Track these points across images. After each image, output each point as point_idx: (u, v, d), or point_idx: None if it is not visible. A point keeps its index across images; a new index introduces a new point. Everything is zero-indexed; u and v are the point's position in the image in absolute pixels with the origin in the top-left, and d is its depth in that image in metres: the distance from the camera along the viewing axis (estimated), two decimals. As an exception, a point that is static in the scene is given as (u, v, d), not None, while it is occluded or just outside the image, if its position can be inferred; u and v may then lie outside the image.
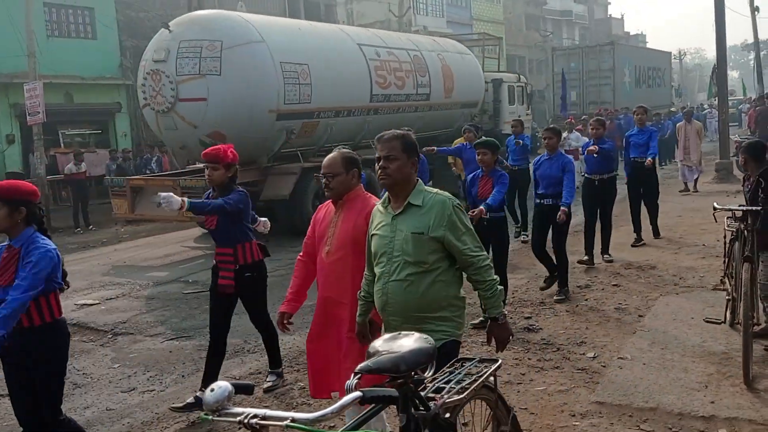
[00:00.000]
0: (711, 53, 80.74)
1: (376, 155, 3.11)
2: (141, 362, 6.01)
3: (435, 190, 3.15)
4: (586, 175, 8.69)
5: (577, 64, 27.60)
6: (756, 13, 28.82)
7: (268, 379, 5.14)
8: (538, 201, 7.20)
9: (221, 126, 10.90)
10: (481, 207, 6.19)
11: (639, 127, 9.49)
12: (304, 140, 12.34)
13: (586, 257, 8.40)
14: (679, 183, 15.30)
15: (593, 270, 8.13)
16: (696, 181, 14.89)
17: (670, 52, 42.98)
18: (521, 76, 21.36)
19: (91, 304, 8.12)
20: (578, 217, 12.38)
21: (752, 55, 55.29)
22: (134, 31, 22.67)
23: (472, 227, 3.12)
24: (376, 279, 3.14)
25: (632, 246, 9.22)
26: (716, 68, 17.60)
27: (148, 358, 6.12)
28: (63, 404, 5.05)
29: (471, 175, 6.63)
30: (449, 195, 3.12)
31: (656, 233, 9.68)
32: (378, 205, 3.25)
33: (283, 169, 11.83)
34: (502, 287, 3.24)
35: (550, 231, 7.07)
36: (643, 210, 9.65)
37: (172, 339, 6.64)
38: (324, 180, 3.62)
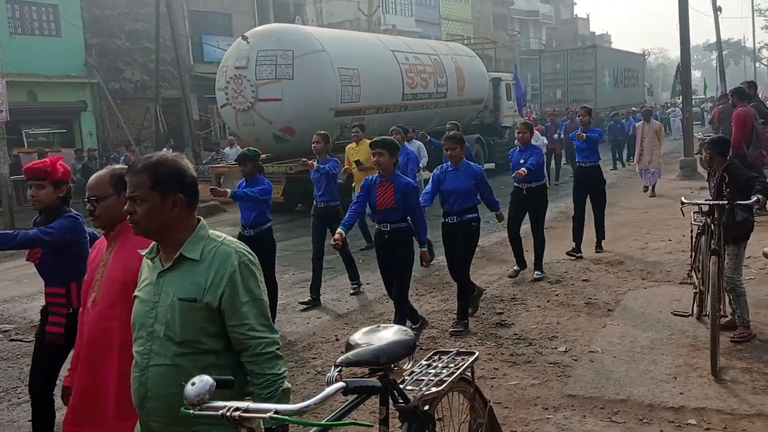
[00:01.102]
0: (674, 53, 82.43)
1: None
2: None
3: (223, 236, 2.25)
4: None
5: (563, 65, 29.77)
6: (719, 13, 29.42)
7: None
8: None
9: (292, 122, 13.19)
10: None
11: (583, 128, 8.85)
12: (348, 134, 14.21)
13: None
14: (614, 202, 14.25)
15: (563, 265, 8.23)
16: (654, 186, 13.89)
17: (643, 54, 44.72)
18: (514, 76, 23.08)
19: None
20: (559, 208, 12.62)
21: (714, 55, 56.42)
22: (99, 29, 22.34)
23: (263, 296, 2.22)
24: (132, 363, 2.24)
25: (567, 254, 8.61)
26: (680, 67, 17.93)
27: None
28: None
29: (366, 180, 5.69)
30: (242, 247, 2.23)
31: (599, 245, 8.91)
32: (144, 253, 2.32)
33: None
34: (288, 387, 2.18)
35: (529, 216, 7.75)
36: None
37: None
38: (89, 206, 2.90)
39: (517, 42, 47.07)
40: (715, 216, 5.16)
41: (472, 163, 6.41)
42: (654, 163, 13.79)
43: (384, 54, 15.78)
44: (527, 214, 7.94)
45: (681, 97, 18.68)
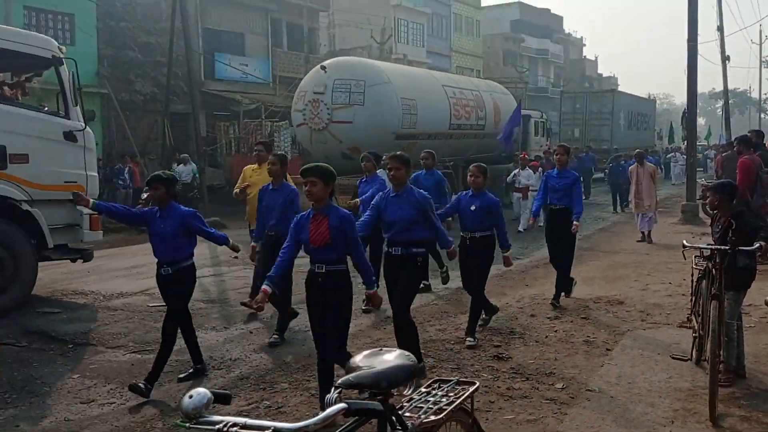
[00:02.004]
0: (679, 99, 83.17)
1: None
2: (101, 374, 5.84)
3: None
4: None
5: (582, 106, 31.78)
6: (727, 62, 29.70)
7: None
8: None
9: (359, 142, 14.48)
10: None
11: (559, 169, 8.08)
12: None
13: (557, 296, 8.03)
14: (617, 241, 13.70)
15: (562, 301, 8.17)
16: (650, 232, 13.37)
17: (655, 100, 46.22)
18: (543, 114, 25.67)
19: (53, 313, 7.91)
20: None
21: (719, 104, 56.81)
22: (113, 39, 22.50)
23: None
24: None
25: (552, 304, 7.94)
26: (686, 113, 18.05)
27: (109, 370, 5.96)
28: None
29: (298, 217, 4.84)
30: None
31: (557, 297, 7.99)
32: None
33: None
34: None
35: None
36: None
37: (134, 352, 6.48)
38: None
39: (525, 78, 47.46)
40: (717, 261, 5.14)
41: (417, 190, 5.61)
42: (653, 207, 13.41)
43: (436, 88, 18.01)
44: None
45: (686, 142, 18.79)
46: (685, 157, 30.49)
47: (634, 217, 14.16)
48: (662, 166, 31.62)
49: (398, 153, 5.88)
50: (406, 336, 5.45)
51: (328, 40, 37.19)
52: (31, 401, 5.17)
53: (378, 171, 8.39)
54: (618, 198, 19.53)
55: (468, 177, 6.87)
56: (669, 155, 33.04)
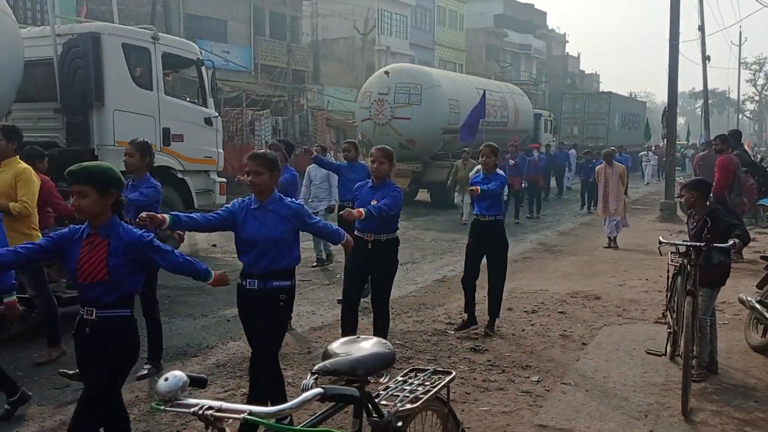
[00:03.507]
0: (660, 98, 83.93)
1: None
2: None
3: None
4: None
5: (581, 106, 34.57)
6: (707, 62, 30.01)
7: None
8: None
9: (414, 136, 18.15)
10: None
11: (485, 173, 6.78)
12: (447, 147, 19.50)
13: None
14: (595, 237, 13.11)
15: (540, 295, 8.24)
16: (615, 238, 12.39)
17: (645, 102, 48.40)
18: (550, 113, 29.55)
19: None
20: (539, 239, 12.70)
21: (699, 103, 57.43)
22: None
23: None
24: None
25: (456, 331, 6.68)
26: (666, 112, 18.22)
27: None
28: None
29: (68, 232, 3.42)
30: None
31: (491, 325, 6.72)
32: None
33: (439, 164, 18.69)
34: None
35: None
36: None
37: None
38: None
39: (507, 73, 47.60)
40: (692, 257, 5.20)
41: (288, 199, 4.19)
42: (620, 211, 12.30)
43: (471, 90, 20.72)
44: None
45: (665, 141, 18.96)
46: (657, 157, 30.88)
47: (586, 228, 13.37)
48: (641, 165, 31.94)
49: (261, 151, 4.64)
50: (269, 383, 4.17)
51: (310, 30, 37.00)
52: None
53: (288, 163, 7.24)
54: (587, 197, 18.69)
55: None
56: (641, 153, 32.94)
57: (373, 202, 5.28)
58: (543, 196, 19.35)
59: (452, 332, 6.63)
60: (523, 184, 16.15)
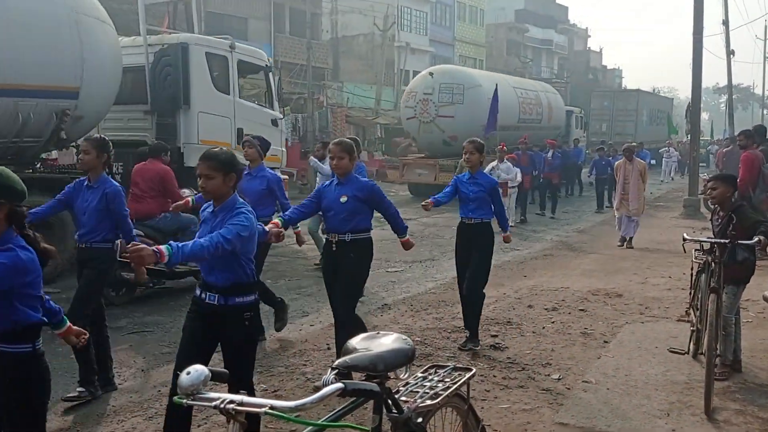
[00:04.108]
0: (683, 93, 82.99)
1: None
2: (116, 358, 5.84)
3: None
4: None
5: (609, 104, 35.55)
6: (732, 57, 29.56)
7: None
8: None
9: (457, 132, 18.68)
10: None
11: (471, 172, 6.21)
12: (487, 144, 19.76)
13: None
14: (617, 234, 12.25)
15: (560, 293, 8.19)
16: (631, 238, 11.87)
17: (672, 99, 48.63)
18: (581, 110, 30.54)
19: (53, 293, 7.91)
20: (560, 237, 12.63)
21: (723, 99, 56.65)
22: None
23: None
24: None
25: (460, 348, 6.00)
26: (690, 107, 17.99)
27: (120, 353, 5.96)
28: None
29: None
30: None
31: (473, 338, 6.05)
32: None
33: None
34: None
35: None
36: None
37: (133, 333, 6.50)
38: None
39: (528, 69, 47.34)
40: (716, 254, 5.14)
41: (241, 202, 3.56)
42: (640, 210, 11.80)
43: (509, 89, 22.13)
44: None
45: (688, 137, 18.73)
46: (678, 152, 30.35)
47: (607, 225, 12.46)
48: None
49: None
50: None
51: (330, 26, 37.04)
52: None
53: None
54: (603, 196, 17.87)
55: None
56: (661, 150, 31.69)
57: (343, 199, 4.92)
58: (560, 194, 19.08)
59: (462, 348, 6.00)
60: (534, 174, 16.04)
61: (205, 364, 3.07)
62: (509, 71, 39.01)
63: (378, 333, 2.39)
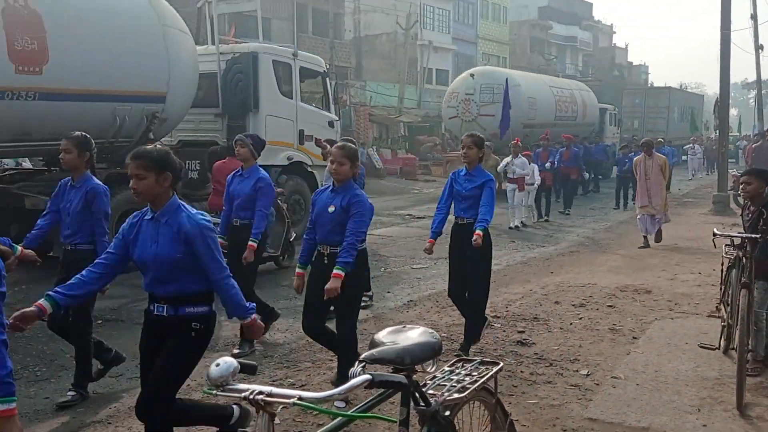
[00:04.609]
0: (711, 89, 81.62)
1: None
2: (129, 350, 5.90)
3: None
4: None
5: (641, 101, 36.27)
6: (760, 51, 28.99)
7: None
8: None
9: (497, 130, 19.36)
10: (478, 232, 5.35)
11: (468, 168, 5.78)
12: (525, 141, 19.81)
13: (461, 348, 5.73)
14: (639, 234, 11.56)
15: (588, 289, 8.11)
16: (659, 232, 11.28)
17: (703, 95, 48.66)
18: (614, 107, 30.83)
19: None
20: (585, 233, 12.52)
21: (751, 94, 55.80)
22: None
23: None
24: None
25: (457, 356, 4.74)
26: (718, 103, 17.69)
27: (137, 346, 6.03)
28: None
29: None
30: None
31: (466, 346, 5.72)
32: None
33: None
34: None
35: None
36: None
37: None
38: None
39: (552, 66, 46.97)
40: (748, 249, 5.06)
41: (191, 212, 3.25)
42: (662, 207, 11.14)
43: (546, 88, 23.45)
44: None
45: (717, 132, 18.40)
46: (702, 148, 29.75)
47: (636, 218, 11.89)
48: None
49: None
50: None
51: (353, 26, 37.09)
52: (60, 374, 5.26)
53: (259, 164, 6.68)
54: (622, 194, 17.26)
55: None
56: (686, 146, 30.66)
57: (330, 209, 4.55)
58: (579, 191, 18.51)
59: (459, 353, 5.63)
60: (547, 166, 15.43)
61: None
62: (533, 69, 38.76)
63: (404, 327, 2.38)
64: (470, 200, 5.69)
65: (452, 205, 5.90)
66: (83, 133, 4.82)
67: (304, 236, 4.84)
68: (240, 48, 11.57)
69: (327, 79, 12.59)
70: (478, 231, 5.44)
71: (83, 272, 3.31)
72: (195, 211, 3.26)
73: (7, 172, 9.30)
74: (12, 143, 8.15)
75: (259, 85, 11.01)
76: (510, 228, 13.34)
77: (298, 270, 4.78)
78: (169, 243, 3.15)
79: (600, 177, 22.39)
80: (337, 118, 12.72)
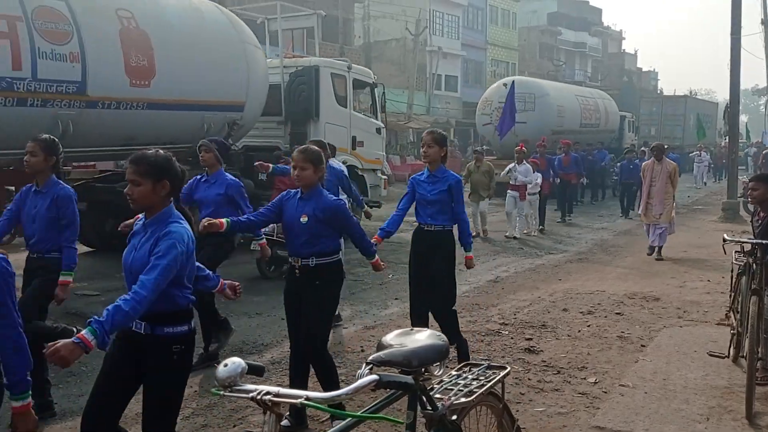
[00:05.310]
0: (721, 95, 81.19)
1: None
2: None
3: None
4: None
5: (658, 109, 37.40)
6: (770, 57, 28.87)
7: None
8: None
9: (528, 136, 19.42)
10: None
11: (430, 169, 5.31)
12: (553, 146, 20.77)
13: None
14: (647, 241, 11.21)
15: (596, 296, 8.08)
16: (659, 249, 10.81)
17: (717, 103, 48.72)
18: (633, 114, 32.39)
19: (92, 295, 8.08)
20: (594, 240, 12.46)
21: (762, 100, 55.50)
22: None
23: None
24: None
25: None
26: (728, 109, 17.61)
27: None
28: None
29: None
30: None
31: (462, 353, 5.35)
32: None
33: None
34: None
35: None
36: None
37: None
38: None
39: (561, 72, 46.91)
40: (758, 256, 5.03)
41: (176, 215, 3.06)
42: (666, 217, 10.62)
43: (572, 97, 25.09)
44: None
45: (727, 138, 18.32)
46: (708, 155, 29.58)
47: (642, 225, 11.52)
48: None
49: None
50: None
51: (362, 32, 37.18)
52: (68, 380, 5.29)
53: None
54: (629, 202, 16.67)
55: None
56: (692, 153, 30.20)
57: (303, 219, 4.16)
58: (583, 199, 18.41)
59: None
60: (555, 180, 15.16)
61: (122, 405, 2.99)
62: (542, 75, 38.76)
63: (412, 330, 2.39)
64: (437, 205, 5.25)
65: (416, 210, 5.44)
66: (50, 136, 4.61)
67: (254, 212, 4.67)
68: (302, 62, 12.71)
69: (375, 89, 13.65)
70: (469, 254, 5.34)
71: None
72: (185, 226, 3.00)
73: (109, 172, 10.06)
74: (120, 147, 8.98)
75: (320, 95, 12.11)
76: (507, 237, 12.96)
77: (221, 220, 4.35)
78: (148, 254, 2.88)
79: (602, 187, 22.03)
80: (384, 125, 13.65)
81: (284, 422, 3.98)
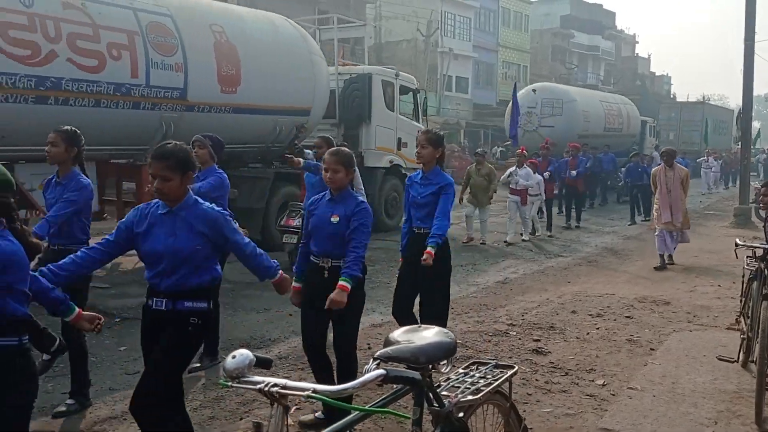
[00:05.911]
0: (734, 101, 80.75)
1: None
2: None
3: None
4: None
5: (677, 114, 38.01)
6: (785, 63, 28.62)
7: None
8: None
9: (554, 138, 19.94)
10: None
11: (425, 170, 5.32)
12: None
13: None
14: (655, 253, 10.52)
15: (605, 299, 8.05)
16: (671, 255, 10.45)
17: (733, 110, 48.42)
18: (654, 119, 33.21)
19: (102, 287, 8.12)
20: (605, 243, 12.44)
21: (775, 106, 54.95)
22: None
23: None
24: None
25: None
26: (741, 114, 17.50)
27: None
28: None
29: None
30: None
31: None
32: None
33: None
34: None
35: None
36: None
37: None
38: None
39: (573, 76, 46.77)
40: (770, 261, 4.99)
41: (205, 204, 3.41)
42: (686, 221, 10.35)
43: (596, 103, 25.98)
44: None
45: (739, 145, 18.20)
46: (719, 162, 29.12)
47: (653, 233, 10.98)
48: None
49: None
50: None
51: (374, 33, 37.20)
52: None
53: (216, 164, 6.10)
54: (636, 207, 16.42)
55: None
56: (700, 159, 29.08)
57: (334, 219, 4.15)
58: (587, 204, 17.49)
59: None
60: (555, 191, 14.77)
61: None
62: (554, 78, 38.64)
63: (419, 326, 2.38)
64: (427, 208, 5.19)
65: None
66: (72, 128, 4.54)
67: (300, 248, 4.51)
68: (356, 70, 13.86)
69: (417, 94, 14.66)
70: (429, 249, 4.94)
71: (77, 253, 3.30)
72: (207, 204, 3.38)
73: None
74: None
75: (372, 100, 13.19)
76: (505, 242, 12.49)
77: (294, 284, 4.27)
78: (188, 235, 3.24)
79: (609, 189, 21.58)
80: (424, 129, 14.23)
81: (318, 414, 4.34)
